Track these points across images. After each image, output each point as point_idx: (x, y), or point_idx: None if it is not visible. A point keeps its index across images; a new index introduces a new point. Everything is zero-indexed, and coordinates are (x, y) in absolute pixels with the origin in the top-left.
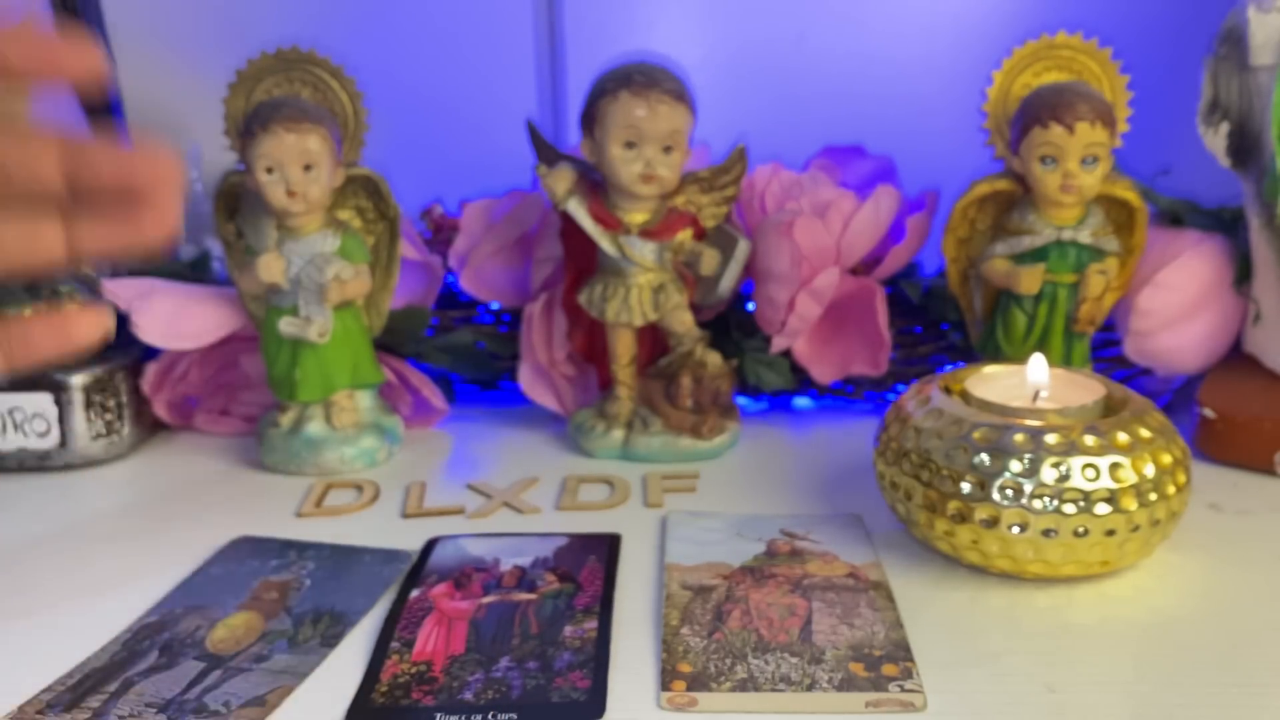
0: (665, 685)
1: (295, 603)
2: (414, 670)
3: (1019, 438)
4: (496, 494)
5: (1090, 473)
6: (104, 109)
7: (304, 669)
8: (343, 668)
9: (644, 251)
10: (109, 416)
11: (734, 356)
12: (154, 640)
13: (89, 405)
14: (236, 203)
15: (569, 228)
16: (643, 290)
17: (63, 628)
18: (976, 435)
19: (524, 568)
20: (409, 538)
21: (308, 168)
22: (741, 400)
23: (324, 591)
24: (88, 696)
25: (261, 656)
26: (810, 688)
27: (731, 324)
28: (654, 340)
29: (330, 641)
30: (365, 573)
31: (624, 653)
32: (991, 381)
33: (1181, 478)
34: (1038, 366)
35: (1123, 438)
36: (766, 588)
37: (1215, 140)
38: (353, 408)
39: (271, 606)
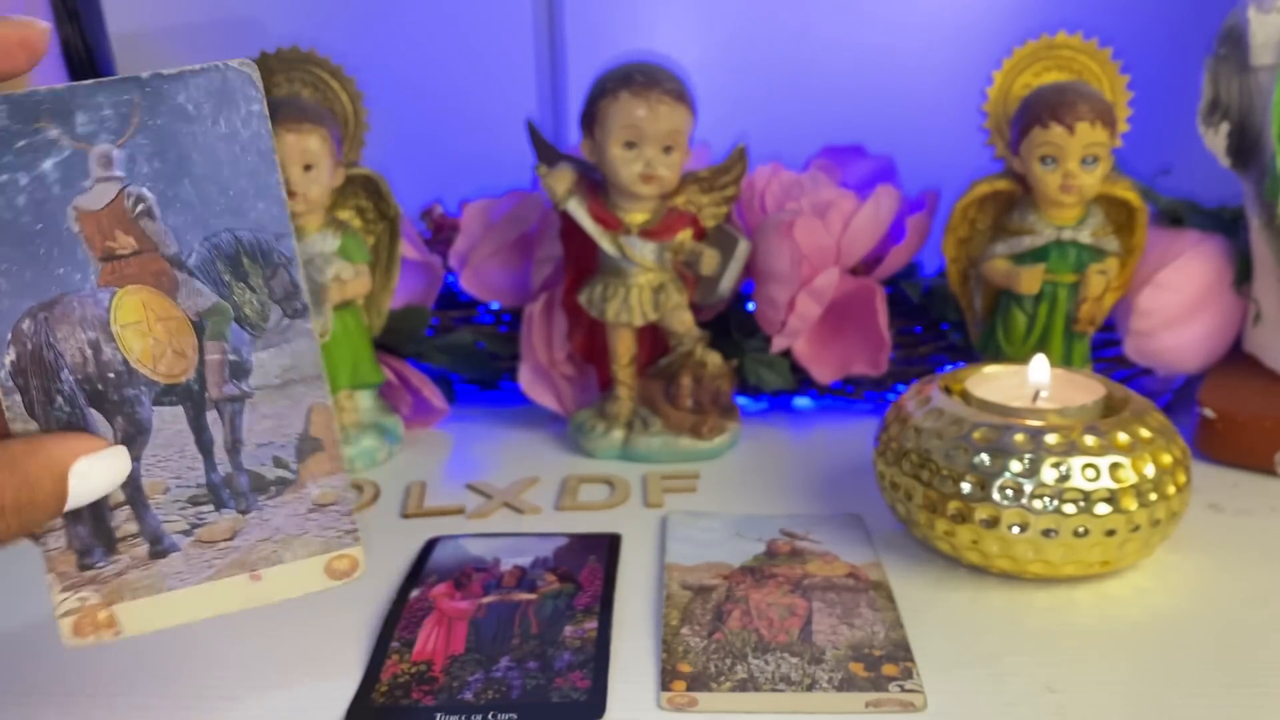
0: (665, 685)
1: (180, 246)
2: (414, 670)
3: (1019, 438)
4: (496, 494)
5: (1090, 473)
6: None
7: (304, 366)
8: (342, 667)
9: (644, 251)
10: None
11: (734, 356)
12: (66, 386)
13: None
14: None
15: (569, 228)
16: (643, 290)
17: None
18: (976, 435)
19: (524, 568)
20: (409, 538)
21: (308, 168)
22: (741, 400)
23: (191, 202)
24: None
25: (239, 369)
26: (810, 688)
27: (731, 324)
28: (654, 340)
29: (296, 311)
30: (207, 138)
31: (624, 653)
32: (991, 381)
33: (1181, 478)
34: (1039, 366)
35: (1123, 438)
36: (766, 588)
37: (1215, 140)
38: (353, 408)
39: (149, 266)
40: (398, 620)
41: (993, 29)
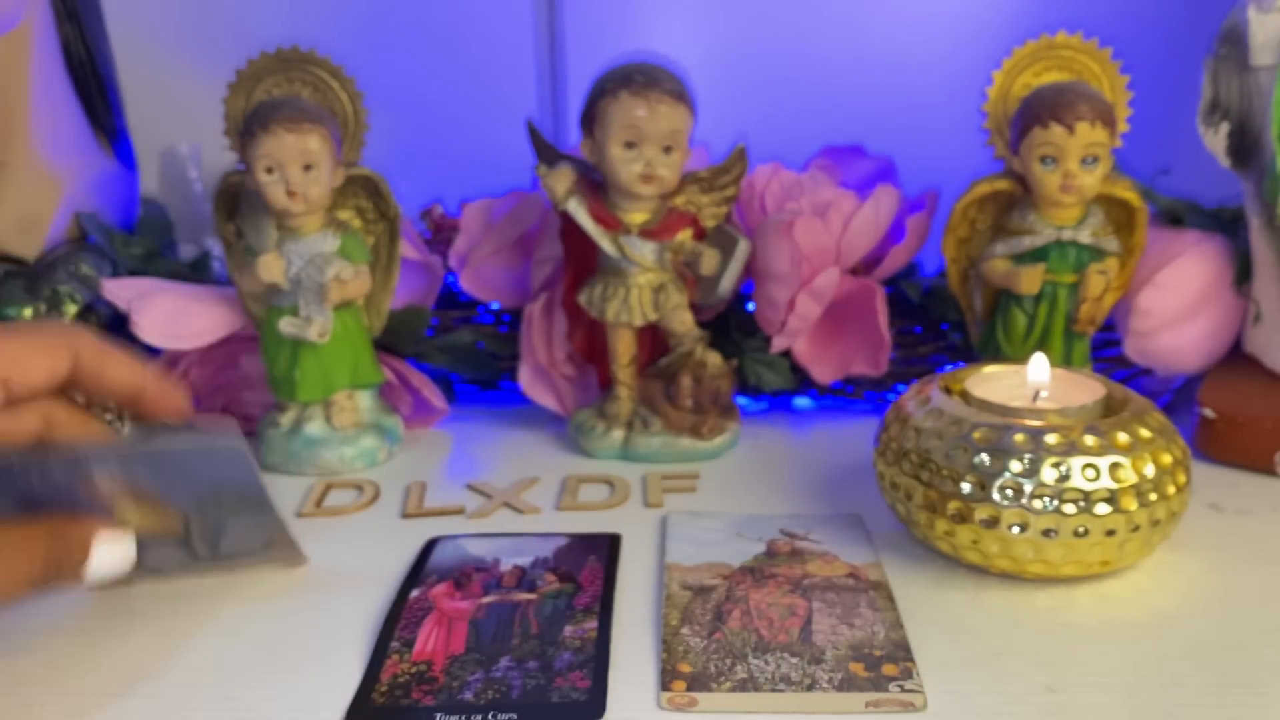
0: (665, 685)
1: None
2: (414, 670)
3: (1019, 438)
4: (496, 494)
5: (1090, 473)
6: (104, 109)
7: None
8: (342, 667)
9: (644, 251)
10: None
11: (734, 356)
12: None
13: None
14: (236, 203)
15: (569, 228)
16: (643, 290)
17: None
18: (976, 435)
19: (524, 568)
20: (409, 538)
21: (308, 168)
22: (741, 400)
23: (182, 486)
24: None
25: (216, 531)
26: (810, 688)
27: (731, 324)
28: (654, 340)
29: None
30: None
31: (624, 653)
32: (991, 381)
33: (1181, 478)
34: (1039, 366)
35: (1123, 438)
36: (766, 588)
37: (1215, 140)
38: (353, 408)
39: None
40: (398, 620)
41: (993, 29)
